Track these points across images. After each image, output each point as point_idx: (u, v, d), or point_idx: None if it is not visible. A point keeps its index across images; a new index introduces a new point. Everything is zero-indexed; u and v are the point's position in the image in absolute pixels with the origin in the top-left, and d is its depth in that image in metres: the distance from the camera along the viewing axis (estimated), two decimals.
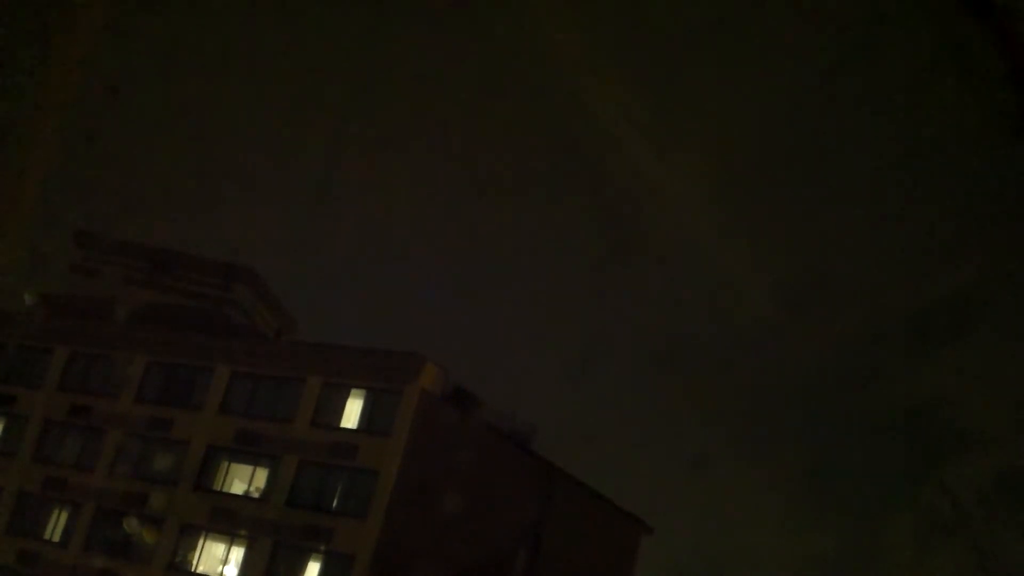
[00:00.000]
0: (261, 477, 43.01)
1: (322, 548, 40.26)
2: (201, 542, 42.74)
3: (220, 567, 42.10)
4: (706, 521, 67.67)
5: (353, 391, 42.82)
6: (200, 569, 42.29)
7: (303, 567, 40.54)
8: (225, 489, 43.49)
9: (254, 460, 43.44)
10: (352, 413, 42.56)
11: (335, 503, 41.24)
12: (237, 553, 42.01)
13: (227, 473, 43.72)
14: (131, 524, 43.29)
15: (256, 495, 42.76)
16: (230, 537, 42.36)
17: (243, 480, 43.48)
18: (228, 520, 42.38)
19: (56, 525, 45.91)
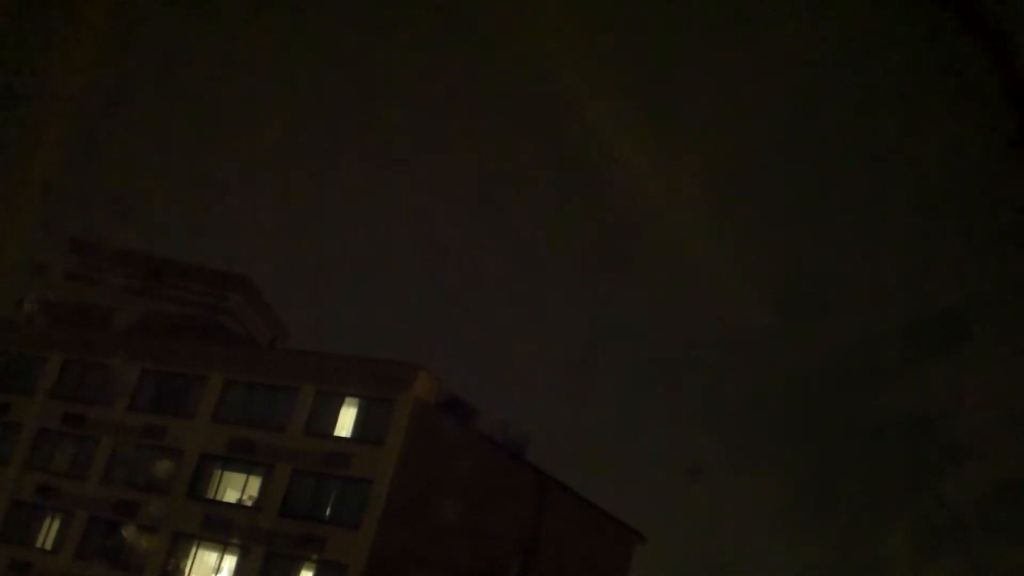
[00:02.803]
0: (254, 485, 42.93)
1: (315, 557, 40.18)
2: (194, 550, 42.62)
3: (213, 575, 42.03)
4: (702, 530, 67.61)
5: (347, 400, 42.81)
6: None
7: None
8: (218, 497, 43.39)
9: (247, 468, 43.35)
10: (346, 422, 42.54)
11: (328, 512, 41.14)
12: (230, 561, 41.91)
13: (220, 481, 43.62)
14: (124, 532, 43.22)
15: (249, 503, 42.67)
16: (223, 545, 42.25)
17: (236, 488, 43.37)
18: (221, 528, 42.27)
19: (49, 533, 45.79)
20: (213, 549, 42.57)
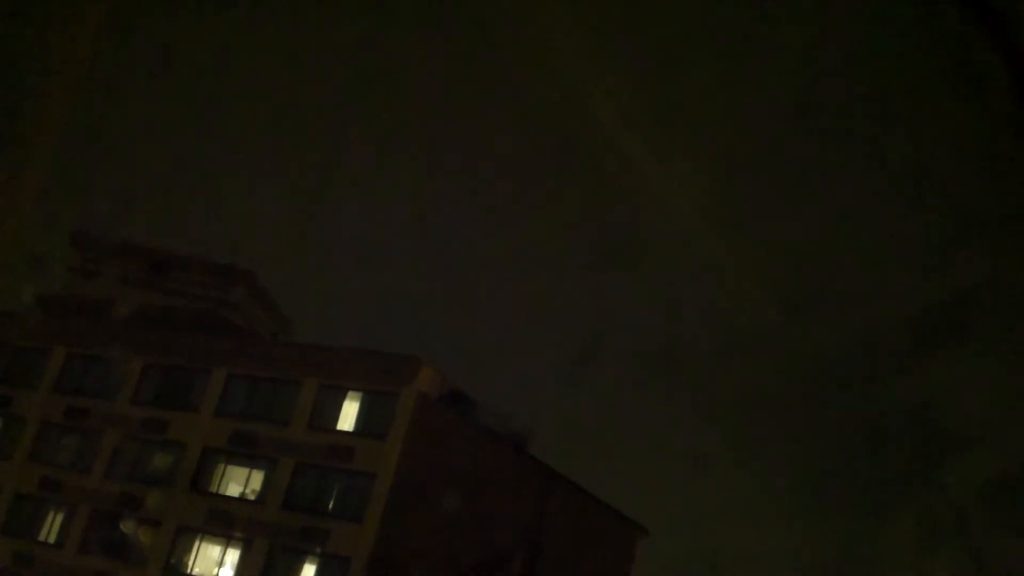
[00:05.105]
0: (257, 479, 42.93)
1: (318, 550, 40.19)
2: (197, 544, 42.65)
3: (216, 569, 42.00)
4: (704, 523, 67.53)
5: (350, 393, 42.79)
6: (196, 571, 42.19)
7: (299, 569, 40.47)
8: (221, 491, 43.39)
9: (250, 462, 43.35)
10: (349, 415, 42.51)
11: (331, 505, 41.15)
12: (233, 555, 41.92)
13: (223, 475, 43.63)
14: (127, 526, 43.22)
15: (252, 497, 42.68)
16: (226, 539, 42.26)
17: (239, 482, 43.37)
18: (224, 522, 42.28)
19: (52, 526, 45.77)
20: (216, 543, 42.61)
